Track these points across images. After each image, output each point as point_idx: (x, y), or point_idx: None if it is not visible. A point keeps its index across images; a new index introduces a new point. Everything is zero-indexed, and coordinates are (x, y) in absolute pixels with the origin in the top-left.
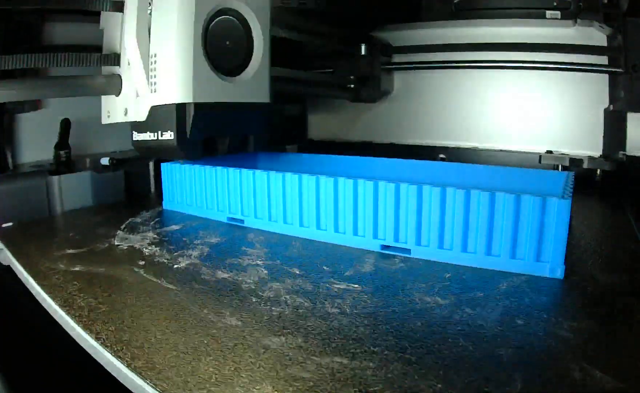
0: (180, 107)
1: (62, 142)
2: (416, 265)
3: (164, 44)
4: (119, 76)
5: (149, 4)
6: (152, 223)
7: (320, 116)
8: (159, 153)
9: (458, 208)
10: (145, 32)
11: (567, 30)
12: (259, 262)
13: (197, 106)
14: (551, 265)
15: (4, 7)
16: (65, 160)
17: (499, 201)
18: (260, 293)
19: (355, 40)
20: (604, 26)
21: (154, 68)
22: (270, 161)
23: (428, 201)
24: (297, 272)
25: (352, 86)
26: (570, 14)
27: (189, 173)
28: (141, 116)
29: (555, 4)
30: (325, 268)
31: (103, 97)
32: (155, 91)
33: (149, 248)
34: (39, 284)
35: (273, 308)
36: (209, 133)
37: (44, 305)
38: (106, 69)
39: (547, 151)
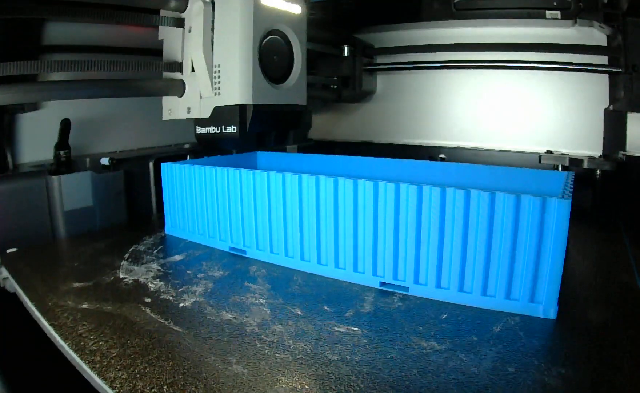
0: (242, 108)
1: (62, 142)
2: (414, 305)
3: (228, 58)
4: (182, 81)
5: (212, 23)
6: (156, 251)
7: (320, 116)
8: (222, 143)
9: (458, 208)
10: (209, 47)
11: (567, 30)
12: (261, 300)
13: (255, 106)
14: (544, 306)
15: (61, 19)
16: (65, 160)
17: (499, 201)
18: (264, 337)
19: (338, 42)
20: (604, 26)
21: (218, 76)
22: (270, 161)
23: (428, 201)
24: (299, 313)
25: (335, 86)
26: (570, 14)
27: (189, 173)
28: (205, 113)
29: (555, 4)
30: (326, 308)
31: (164, 97)
32: (219, 94)
33: (154, 282)
34: (50, 324)
35: (277, 354)
36: (262, 128)
37: (57, 345)
38: (168, 74)
39: (547, 151)
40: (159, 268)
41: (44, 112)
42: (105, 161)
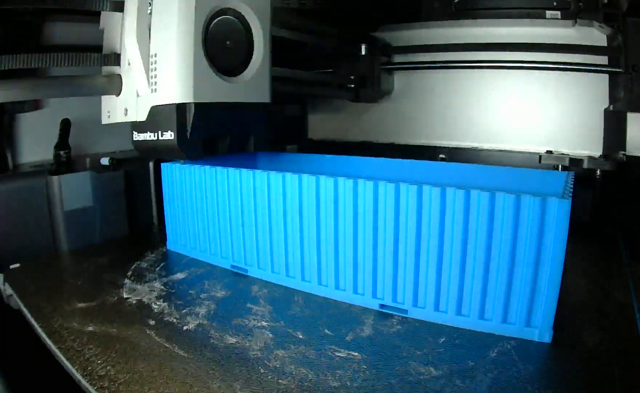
0: (181, 107)
1: (62, 142)
2: (413, 327)
3: (165, 44)
4: (119, 76)
5: (149, 4)
6: (158, 268)
7: (320, 116)
8: (160, 154)
9: (458, 208)
10: (145, 32)
11: (567, 30)
12: (263, 323)
13: (198, 105)
14: (540, 330)
15: (4, 6)
16: (65, 160)
17: (499, 201)
18: (267, 363)
19: (356, 40)
20: (604, 26)
21: (155, 68)
22: (270, 161)
23: (428, 201)
24: (301, 336)
25: (352, 85)
26: (570, 14)
27: (189, 173)
28: (141, 115)
29: (555, 4)
30: (327, 331)
31: (103, 97)
32: (155, 91)
33: (158, 303)
34: (57, 348)
35: (280, 381)
36: (210, 133)
37: (65, 368)
38: (106, 69)
39: (547, 151)
40: (162, 287)
41: (44, 112)
42: (105, 161)
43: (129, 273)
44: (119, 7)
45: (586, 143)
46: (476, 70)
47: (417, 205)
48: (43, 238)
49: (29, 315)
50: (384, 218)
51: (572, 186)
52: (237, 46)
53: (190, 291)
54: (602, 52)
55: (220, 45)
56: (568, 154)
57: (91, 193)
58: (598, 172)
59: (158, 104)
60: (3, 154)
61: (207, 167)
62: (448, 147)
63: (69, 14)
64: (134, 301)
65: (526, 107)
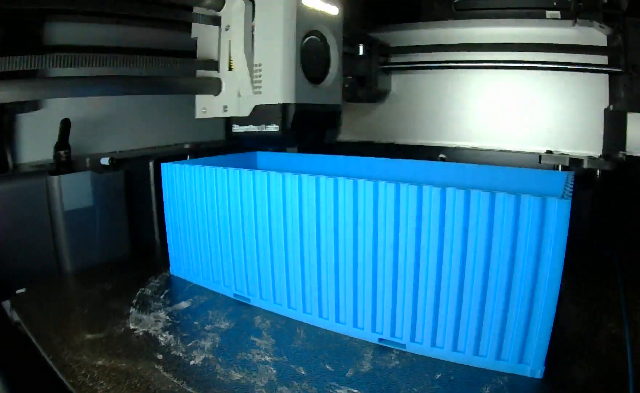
0: (284, 107)
1: (62, 142)
2: (410, 363)
3: (270, 57)
4: (218, 79)
5: (252, 24)
6: (162, 296)
7: None
8: (262, 141)
9: (458, 208)
10: (249, 46)
11: (567, 30)
12: (267, 358)
13: (297, 106)
14: (532, 367)
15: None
16: (65, 160)
17: (499, 201)
18: None
19: (353, 41)
20: (604, 26)
21: (259, 75)
22: (270, 161)
23: (428, 200)
24: (303, 372)
25: (347, 86)
26: (570, 14)
27: (189, 173)
28: (244, 112)
29: (555, 4)
30: (328, 367)
31: (198, 95)
32: (260, 93)
33: (164, 335)
34: (69, 383)
35: None
36: (302, 127)
37: None
38: (202, 72)
39: (547, 151)
40: (167, 317)
41: (44, 112)
42: (105, 161)
43: (134, 301)
44: (216, 21)
45: (586, 143)
46: (476, 70)
47: (417, 205)
48: (43, 238)
49: (39, 347)
50: (384, 218)
51: (572, 186)
52: (320, 60)
53: (194, 322)
54: (602, 52)
55: (309, 59)
56: (568, 154)
57: (91, 193)
58: (598, 172)
59: (262, 104)
60: (3, 154)
61: (207, 167)
62: (448, 147)
63: (71, 14)
64: (140, 333)
65: (526, 107)
